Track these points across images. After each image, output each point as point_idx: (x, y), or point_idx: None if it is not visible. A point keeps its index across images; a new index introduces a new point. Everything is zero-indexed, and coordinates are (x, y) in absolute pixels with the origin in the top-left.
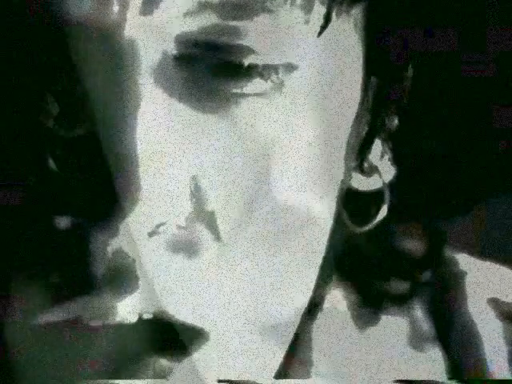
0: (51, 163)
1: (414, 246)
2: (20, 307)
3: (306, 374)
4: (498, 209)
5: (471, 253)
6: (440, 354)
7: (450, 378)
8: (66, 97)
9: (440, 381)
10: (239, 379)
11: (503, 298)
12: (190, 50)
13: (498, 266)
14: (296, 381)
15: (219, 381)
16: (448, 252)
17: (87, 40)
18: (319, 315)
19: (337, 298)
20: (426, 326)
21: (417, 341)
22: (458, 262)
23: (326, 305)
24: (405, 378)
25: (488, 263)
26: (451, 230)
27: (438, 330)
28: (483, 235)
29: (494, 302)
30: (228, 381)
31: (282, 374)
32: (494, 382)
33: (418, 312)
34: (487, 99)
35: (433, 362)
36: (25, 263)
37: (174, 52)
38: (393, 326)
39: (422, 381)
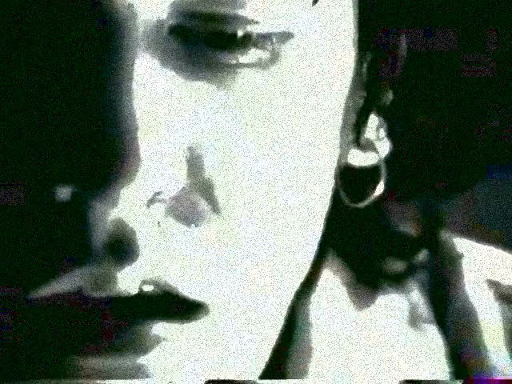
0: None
1: (410, 225)
2: (18, 281)
3: (306, 359)
4: (497, 193)
5: (469, 237)
6: (438, 334)
7: (455, 378)
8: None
9: (444, 379)
10: (228, 378)
11: (501, 281)
12: (185, 20)
13: (494, 249)
14: (296, 381)
15: (208, 381)
16: (445, 235)
17: (82, 6)
18: (314, 295)
19: (332, 274)
20: (423, 307)
21: (415, 322)
22: (455, 245)
23: (321, 282)
24: (403, 359)
25: (485, 246)
26: (449, 214)
27: (436, 311)
28: (481, 221)
29: (492, 284)
30: (218, 381)
31: (279, 355)
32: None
33: (416, 294)
34: (484, 78)
35: (431, 343)
36: (23, 235)
37: (169, 22)
38: (391, 306)
39: (422, 380)
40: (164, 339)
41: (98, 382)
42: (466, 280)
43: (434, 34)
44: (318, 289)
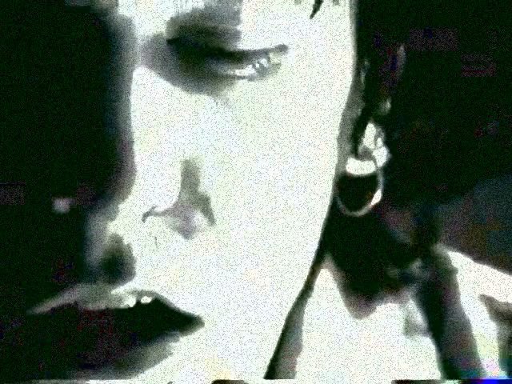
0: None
1: (406, 233)
2: (15, 296)
3: (296, 361)
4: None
5: (466, 254)
6: (432, 345)
7: (448, 378)
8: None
9: (437, 379)
10: (234, 379)
11: (494, 297)
12: (182, 33)
13: (489, 267)
14: (295, 381)
15: (215, 382)
16: (440, 248)
17: (81, 18)
18: (310, 300)
19: (327, 278)
20: (418, 318)
21: (410, 332)
22: (450, 259)
23: (317, 287)
24: (397, 365)
25: (478, 264)
26: (446, 229)
27: (430, 323)
28: (479, 238)
29: (485, 300)
30: (223, 381)
31: (273, 360)
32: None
33: (411, 304)
34: (483, 86)
35: (425, 352)
36: (21, 250)
37: (167, 35)
38: (385, 314)
39: (421, 380)
40: (163, 357)
41: (98, 382)
42: (460, 294)
43: (433, 35)
44: (314, 294)
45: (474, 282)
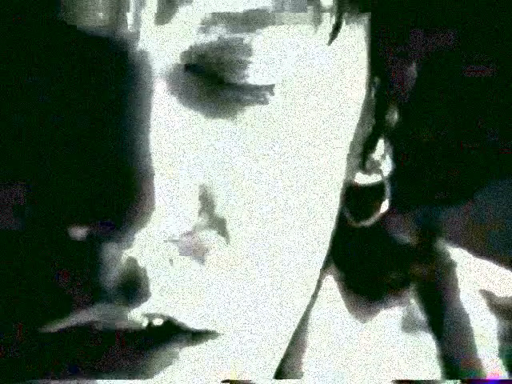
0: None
1: (407, 235)
2: (30, 316)
3: (300, 364)
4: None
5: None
6: (433, 341)
7: (449, 377)
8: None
9: (437, 379)
10: (241, 379)
11: (494, 291)
12: (197, 62)
13: (487, 261)
14: (296, 381)
15: (224, 381)
16: (440, 243)
17: (100, 52)
18: (315, 304)
19: (330, 283)
20: (419, 313)
21: (410, 328)
22: (449, 253)
23: (321, 291)
24: (397, 365)
25: (478, 259)
26: (447, 226)
27: (431, 318)
28: (480, 236)
29: (485, 294)
30: (231, 381)
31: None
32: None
33: (411, 299)
34: (486, 96)
35: (426, 348)
36: (36, 272)
37: (186, 62)
38: (386, 315)
39: (421, 380)
40: (172, 362)
41: (98, 381)
42: (459, 289)
43: (442, 50)
44: (318, 298)
45: (474, 276)
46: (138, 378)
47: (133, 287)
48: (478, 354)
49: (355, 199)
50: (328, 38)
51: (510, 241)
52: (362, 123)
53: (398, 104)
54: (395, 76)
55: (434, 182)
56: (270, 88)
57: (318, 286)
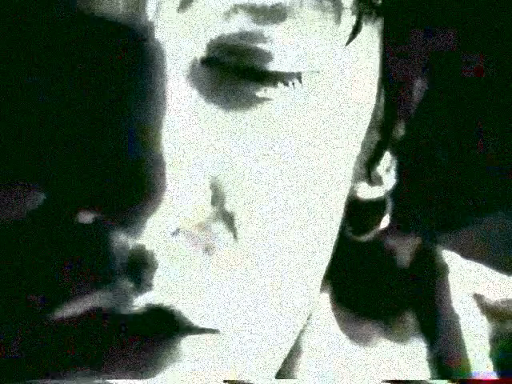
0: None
1: (407, 259)
2: (36, 302)
3: (299, 365)
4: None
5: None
6: (423, 346)
7: (441, 377)
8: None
9: (427, 379)
10: (241, 380)
11: (486, 295)
12: (218, 53)
13: (479, 264)
14: (295, 381)
15: (225, 381)
16: (432, 245)
17: (118, 39)
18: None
19: (324, 299)
20: (410, 317)
21: (401, 334)
22: (442, 257)
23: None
24: (391, 366)
25: (470, 261)
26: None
27: (422, 321)
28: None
29: (477, 298)
30: (233, 381)
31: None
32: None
33: (403, 306)
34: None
35: (416, 354)
36: (43, 257)
37: (202, 55)
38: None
39: (411, 380)
40: (176, 359)
41: (98, 381)
42: (451, 292)
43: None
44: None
45: (466, 279)
46: (140, 375)
47: (139, 273)
48: (470, 357)
49: (356, 213)
50: (347, 39)
51: (506, 243)
52: (369, 131)
53: (405, 116)
54: (405, 86)
55: (438, 202)
56: (297, 75)
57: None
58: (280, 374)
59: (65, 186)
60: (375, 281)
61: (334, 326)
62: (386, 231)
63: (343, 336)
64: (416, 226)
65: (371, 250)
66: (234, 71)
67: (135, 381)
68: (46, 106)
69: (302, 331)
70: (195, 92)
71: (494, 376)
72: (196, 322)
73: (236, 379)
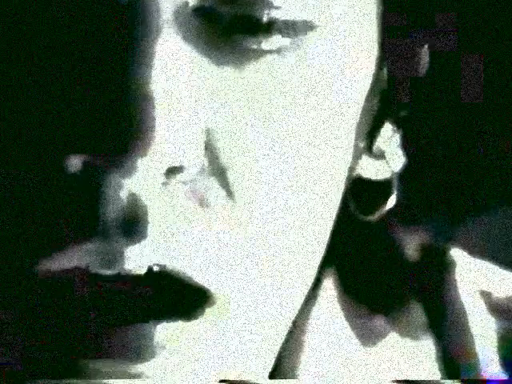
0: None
1: (414, 249)
2: (25, 253)
3: (299, 364)
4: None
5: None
6: (432, 342)
7: (449, 378)
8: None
9: (438, 379)
10: (238, 379)
11: (493, 292)
12: (208, 2)
13: (486, 262)
14: (295, 381)
15: (221, 381)
16: (438, 243)
17: None
18: (314, 308)
19: (330, 288)
20: (418, 313)
21: (409, 329)
22: (449, 253)
23: (321, 291)
24: (396, 366)
25: (477, 259)
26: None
27: (430, 319)
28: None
29: (484, 295)
30: (229, 381)
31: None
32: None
33: (412, 303)
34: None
35: (425, 352)
36: (27, 203)
37: (194, 3)
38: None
39: (421, 380)
40: (165, 347)
41: (98, 381)
42: (459, 289)
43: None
44: (317, 300)
45: (473, 277)
46: (129, 359)
47: (131, 224)
48: (478, 354)
49: (362, 192)
50: None
51: (510, 241)
52: (369, 98)
53: (409, 89)
54: (408, 55)
55: (447, 185)
56: (291, 25)
57: (318, 286)
58: (282, 374)
59: (51, 128)
60: (382, 276)
61: (339, 324)
62: (393, 224)
63: (348, 333)
64: (424, 219)
65: (378, 245)
66: (227, 21)
67: (136, 380)
68: (37, 52)
69: (304, 329)
70: (186, 40)
71: (502, 375)
72: (191, 276)
73: (232, 379)
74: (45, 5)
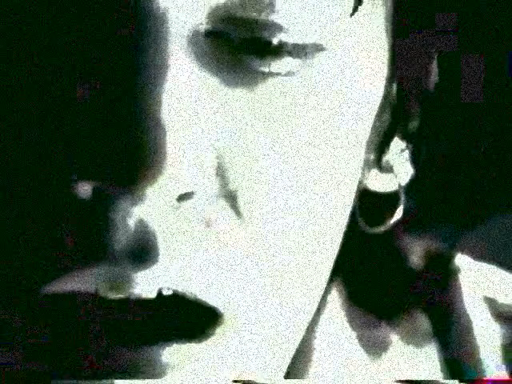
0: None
1: (420, 259)
2: (33, 275)
3: (304, 375)
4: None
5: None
6: (435, 350)
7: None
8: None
9: (439, 380)
10: (252, 379)
11: (497, 298)
12: (221, 25)
13: (491, 266)
14: (296, 381)
15: (234, 381)
16: (442, 249)
17: (120, 5)
18: (320, 317)
19: (336, 299)
20: (422, 321)
21: (414, 337)
22: (453, 259)
23: (327, 302)
24: (399, 372)
25: (482, 263)
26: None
27: (434, 325)
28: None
29: (488, 301)
30: (243, 381)
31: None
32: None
33: (415, 308)
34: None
35: (429, 358)
36: (38, 227)
37: (206, 26)
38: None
39: (422, 381)
40: (173, 367)
41: (98, 382)
42: (463, 295)
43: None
44: (324, 307)
45: (478, 282)
46: (143, 376)
47: (141, 250)
48: (482, 361)
49: (369, 204)
50: (351, 8)
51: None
52: (379, 115)
53: (419, 105)
54: (416, 71)
55: (453, 197)
56: (302, 48)
57: (324, 295)
58: (290, 376)
59: (61, 153)
60: (387, 283)
61: (345, 328)
62: (399, 232)
63: (354, 342)
64: (429, 227)
65: (383, 252)
66: (238, 44)
67: (137, 381)
68: (46, 71)
69: (311, 332)
70: (197, 62)
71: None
72: (201, 297)
73: (245, 379)
74: (57, 36)
